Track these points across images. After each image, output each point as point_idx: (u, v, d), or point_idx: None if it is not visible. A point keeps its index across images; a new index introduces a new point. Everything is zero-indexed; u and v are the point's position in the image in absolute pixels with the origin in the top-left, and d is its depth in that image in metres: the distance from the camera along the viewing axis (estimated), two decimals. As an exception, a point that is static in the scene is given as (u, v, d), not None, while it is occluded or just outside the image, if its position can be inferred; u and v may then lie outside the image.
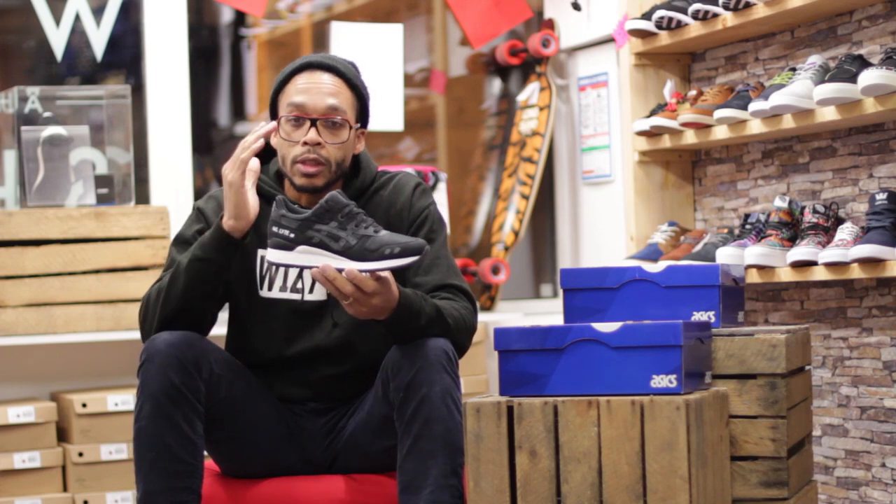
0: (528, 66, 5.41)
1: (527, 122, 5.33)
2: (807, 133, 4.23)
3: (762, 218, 4.21)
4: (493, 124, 5.60)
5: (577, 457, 2.80)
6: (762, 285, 4.38)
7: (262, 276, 3.19)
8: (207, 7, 5.65)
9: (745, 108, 4.14)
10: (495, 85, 5.64)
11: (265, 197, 3.16)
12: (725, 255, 4.12)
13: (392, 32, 4.87)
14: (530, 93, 5.33)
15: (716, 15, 4.28)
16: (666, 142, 4.50)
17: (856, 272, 3.80)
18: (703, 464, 2.79)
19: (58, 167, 4.54)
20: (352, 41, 4.82)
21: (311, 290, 3.18)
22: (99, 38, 4.82)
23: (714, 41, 4.51)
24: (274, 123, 3.12)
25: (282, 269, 3.18)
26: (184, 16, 4.96)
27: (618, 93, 5.01)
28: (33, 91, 4.59)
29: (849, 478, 4.11)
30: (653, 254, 4.48)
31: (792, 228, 4.10)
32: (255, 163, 3.07)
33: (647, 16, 4.52)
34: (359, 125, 3.21)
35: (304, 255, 2.92)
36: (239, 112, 5.87)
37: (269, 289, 3.19)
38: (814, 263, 3.92)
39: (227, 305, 3.27)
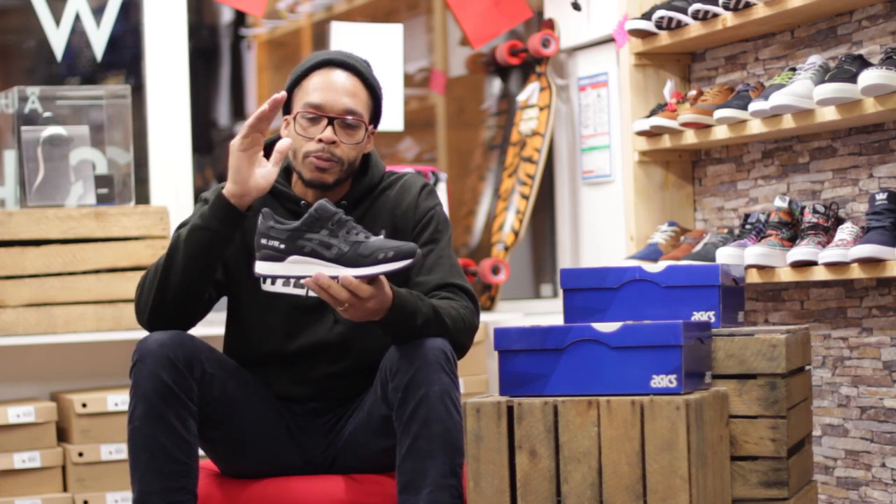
0: (528, 66, 5.41)
1: (527, 122, 5.33)
2: (807, 133, 4.23)
3: (762, 218, 4.21)
4: (493, 124, 5.60)
5: (577, 457, 2.80)
6: (762, 285, 4.38)
7: None
8: (207, 7, 5.65)
9: (745, 108, 4.14)
10: (495, 85, 5.64)
11: (271, 192, 3.16)
12: (725, 255, 4.12)
13: (392, 32, 4.87)
14: (530, 93, 5.33)
15: (716, 15, 4.28)
16: (666, 142, 4.50)
17: (856, 272, 3.80)
18: (703, 464, 2.79)
19: (58, 167, 4.54)
20: (352, 41, 4.82)
21: None
22: (99, 38, 4.81)
23: (714, 41, 4.51)
24: (284, 93, 3.09)
25: None
26: (184, 16, 4.96)
27: (618, 93, 5.01)
28: (33, 91, 4.59)
29: (849, 478, 4.11)
30: (653, 254, 4.48)
31: (792, 228, 4.10)
32: (285, 142, 3.06)
33: (647, 16, 4.52)
34: (371, 125, 3.22)
35: (296, 266, 2.91)
36: (239, 112, 5.87)
37: (272, 283, 3.19)
38: (814, 263, 3.92)
39: (224, 304, 3.27)
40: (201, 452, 3.11)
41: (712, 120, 4.27)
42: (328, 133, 3.13)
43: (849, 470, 4.11)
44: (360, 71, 3.20)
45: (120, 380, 4.63)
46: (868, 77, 3.65)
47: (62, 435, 4.45)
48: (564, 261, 5.44)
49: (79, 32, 4.80)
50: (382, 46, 4.88)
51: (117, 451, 4.39)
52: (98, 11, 4.80)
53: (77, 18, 4.78)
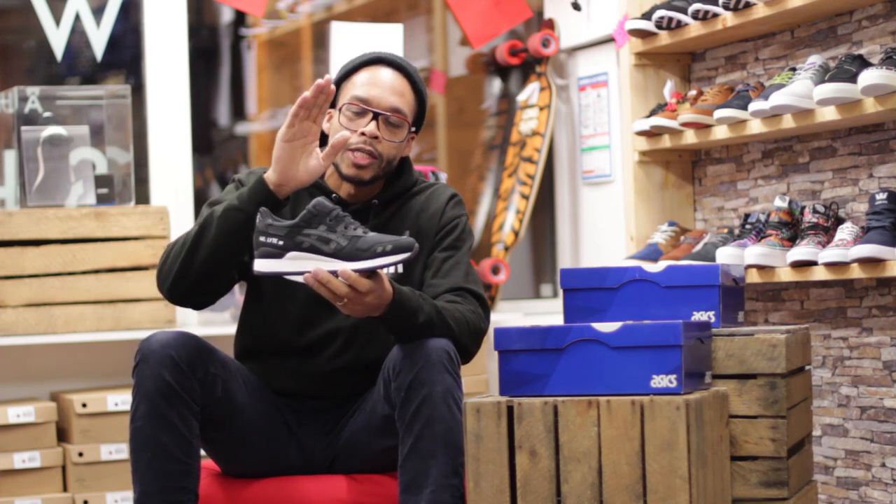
0: (528, 66, 5.41)
1: (527, 122, 5.33)
2: (807, 133, 4.23)
3: (762, 218, 4.21)
4: (493, 124, 5.60)
5: (577, 457, 2.80)
6: (762, 285, 4.38)
7: None
8: (207, 7, 5.66)
9: (745, 108, 4.14)
10: (495, 85, 5.64)
11: None
12: (725, 255, 4.12)
13: (392, 32, 4.86)
14: (530, 93, 5.33)
15: (716, 15, 4.28)
16: (666, 142, 4.50)
17: (856, 272, 3.80)
18: (703, 464, 2.79)
19: (58, 167, 4.54)
20: (352, 41, 4.82)
21: None
22: (99, 38, 4.81)
23: (714, 41, 4.51)
24: (328, 77, 3.04)
25: None
26: (184, 16, 4.96)
27: (618, 93, 5.01)
28: (33, 91, 4.59)
29: (849, 478, 4.11)
30: (653, 254, 4.48)
31: (792, 228, 4.10)
32: (343, 135, 3.04)
33: (647, 16, 4.52)
34: (414, 129, 3.23)
35: (295, 262, 2.91)
36: (239, 112, 5.87)
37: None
38: (814, 263, 3.92)
39: (224, 304, 3.26)
40: (203, 452, 3.11)
41: (712, 120, 4.27)
42: (371, 127, 3.14)
43: (849, 470, 4.11)
44: (410, 73, 3.23)
45: (120, 380, 4.63)
46: (868, 77, 3.65)
47: (62, 435, 4.45)
48: (564, 261, 5.44)
49: (79, 32, 4.80)
50: (382, 46, 4.88)
51: (117, 451, 4.39)
52: (98, 11, 4.81)
53: (77, 18, 4.78)
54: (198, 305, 3.14)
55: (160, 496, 2.97)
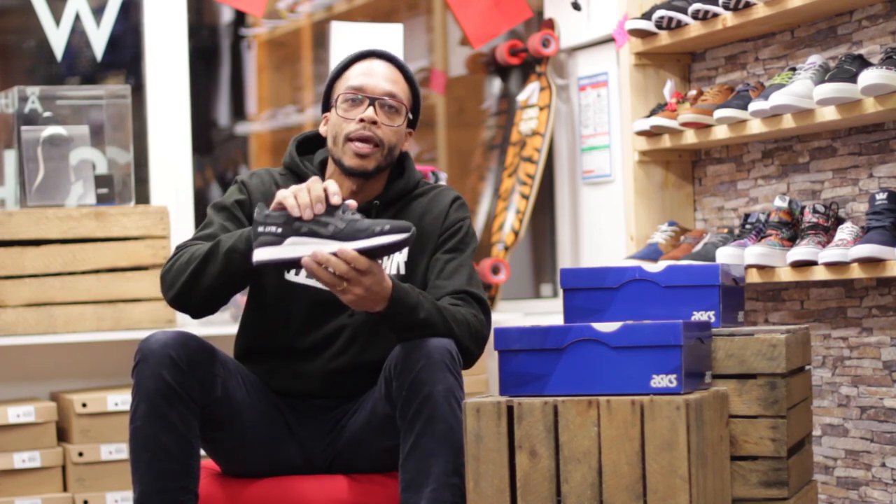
0: (528, 65, 5.41)
1: (527, 121, 5.33)
2: (807, 133, 4.23)
3: (762, 218, 4.21)
4: (493, 124, 5.60)
5: (577, 457, 2.80)
6: (762, 285, 4.38)
7: None
8: (207, 7, 5.66)
9: (745, 107, 4.14)
10: (495, 85, 5.64)
11: (303, 180, 3.15)
12: (725, 255, 4.12)
13: (392, 32, 4.86)
14: (530, 93, 5.33)
15: (716, 15, 4.28)
16: (666, 142, 4.50)
17: (856, 272, 3.80)
18: (703, 464, 2.79)
19: (58, 167, 4.54)
20: (352, 41, 4.81)
21: None
22: (99, 38, 4.81)
23: (714, 41, 4.51)
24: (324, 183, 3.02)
25: None
26: (184, 16, 4.96)
27: (618, 93, 5.01)
28: (33, 91, 4.59)
29: (849, 478, 4.11)
30: (653, 254, 4.48)
31: (792, 228, 4.10)
32: (332, 185, 2.98)
33: (647, 16, 4.52)
34: (411, 116, 3.24)
35: (294, 247, 2.92)
36: (239, 112, 5.88)
37: (297, 273, 3.19)
38: (814, 263, 3.92)
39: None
40: (203, 452, 3.11)
41: (712, 120, 4.27)
42: (370, 112, 3.15)
43: (849, 470, 4.11)
44: (401, 65, 3.25)
45: (120, 380, 4.64)
46: (868, 77, 3.65)
47: (62, 435, 4.45)
48: (564, 261, 5.44)
49: (79, 32, 4.80)
50: (382, 46, 4.89)
51: (117, 450, 4.39)
52: (98, 11, 4.81)
53: (77, 18, 4.78)
54: (199, 317, 3.15)
55: (160, 496, 2.97)
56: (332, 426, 3.21)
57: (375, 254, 2.90)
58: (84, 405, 4.40)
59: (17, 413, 4.34)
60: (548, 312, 5.33)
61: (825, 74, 3.92)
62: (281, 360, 3.22)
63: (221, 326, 4.66)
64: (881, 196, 3.82)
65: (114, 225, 4.52)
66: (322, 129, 3.24)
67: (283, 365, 3.22)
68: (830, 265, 3.85)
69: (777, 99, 3.94)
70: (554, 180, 5.50)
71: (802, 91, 3.91)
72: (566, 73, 5.40)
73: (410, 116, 3.24)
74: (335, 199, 2.94)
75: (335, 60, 4.72)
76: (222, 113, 5.83)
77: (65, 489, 4.40)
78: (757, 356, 2.99)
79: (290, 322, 3.20)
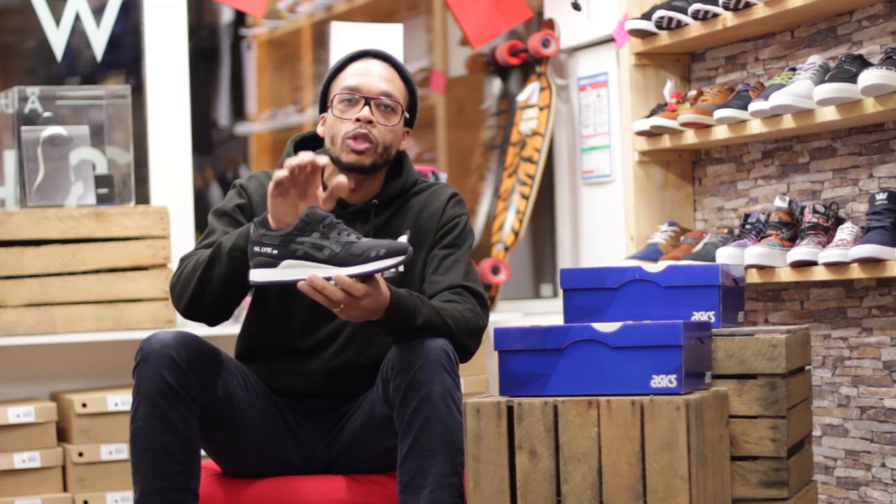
0: (528, 66, 5.41)
1: (527, 122, 5.33)
2: (807, 133, 4.23)
3: (762, 218, 4.22)
4: (493, 124, 5.60)
5: (577, 457, 2.80)
6: (762, 285, 4.38)
7: None
8: (207, 7, 5.65)
9: (745, 108, 4.14)
10: (495, 85, 5.64)
11: None
12: (725, 255, 4.12)
13: (392, 32, 4.86)
14: (530, 93, 5.33)
15: (716, 15, 4.28)
16: (666, 142, 4.50)
17: (856, 272, 3.80)
18: (703, 464, 2.79)
19: (58, 167, 4.54)
20: (352, 41, 4.81)
21: None
22: (99, 38, 4.82)
23: (714, 41, 4.51)
24: (314, 160, 3.01)
25: None
26: (184, 16, 4.96)
27: (618, 93, 5.01)
28: (33, 91, 4.59)
29: (849, 478, 4.11)
30: (653, 254, 4.48)
31: (792, 228, 4.10)
32: (340, 178, 3.01)
33: (647, 16, 4.52)
34: (407, 115, 3.24)
35: (290, 270, 2.92)
36: (239, 112, 5.87)
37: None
38: (814, 263, 3.92)
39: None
40: (203, 452, 3.11)
41: (712, 120, 4.27)
42: (365, 112, 3.16)
43: (849, 470, 4.11)
44: (397, 64, 3.25)
45: (120, 380, 4.64)
46: (868, 77, 3.65)
47: (62, 435, 4.45)
48: (564, 261, 5.44)
49: (79, 32, 4.80)
50: (382, 46, 4.89)
51: (117, 451, 4.39)
52: (98, 11, 4.81)
53: (77, 18, 4.78)
54: (213, 323, 3.15)
55: (160, 496, 2.97)
56: (331, 427, 3.21)
57: (371, 278, 2.91)
58: (84, 405, 4.40)
59: (18, 413, 4.34)
60: (548, 312, 5.33)
61: (825, 74, 3.92)
62: (282, 360, 3.22)
63: (222, 327, 4.64)
64: (881, 196, 3.82)
65: (114, 225, 4.52)
66: (320, 130, 3.25)
67: (282, 365, 3.22)
68: (830, 265, 3.85)
69: (777, 99, 3.94)
70: (554, 180, 5.50)
71: (802, 91, 3.91)
72: (566, 74, 5.40)
73: (407, 115, 3.24)
74: (323, 161, 2.95)
75: (335, 61, 4.72)
76: (222, 113, 5.83)
77: (65, 489, 4.40)
78: (757, 356, 2.99)
79: (292, 323, 3.20)
